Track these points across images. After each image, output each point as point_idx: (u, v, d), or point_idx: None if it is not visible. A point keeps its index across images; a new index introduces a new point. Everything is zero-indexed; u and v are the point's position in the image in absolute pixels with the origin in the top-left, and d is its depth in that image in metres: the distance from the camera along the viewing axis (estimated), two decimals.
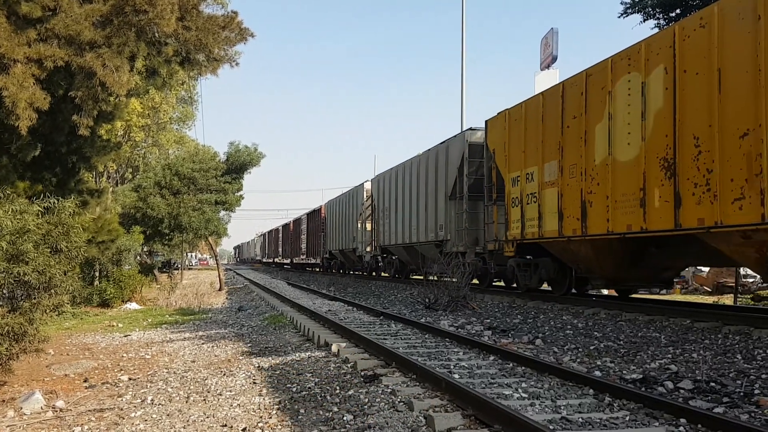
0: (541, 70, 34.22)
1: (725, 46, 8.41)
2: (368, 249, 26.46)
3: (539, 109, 12.68)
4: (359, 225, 27.52)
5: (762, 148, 7.74)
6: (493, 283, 16.88)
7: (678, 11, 19.26)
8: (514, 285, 15.53)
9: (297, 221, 46.98)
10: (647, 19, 20.22)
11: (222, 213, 34.75)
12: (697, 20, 8.90)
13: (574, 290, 13.18)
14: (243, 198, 35.11)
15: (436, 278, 14.08)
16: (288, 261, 51.58)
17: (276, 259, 59.62)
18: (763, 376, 6.18)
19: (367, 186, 26.89)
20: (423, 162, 19.64)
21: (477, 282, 16.69)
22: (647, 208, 9.61)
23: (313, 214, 39.95)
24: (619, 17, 21.09)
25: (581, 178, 11.28)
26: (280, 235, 56.32)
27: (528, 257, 13.87)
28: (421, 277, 17.48)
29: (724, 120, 8.36)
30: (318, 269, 40.83)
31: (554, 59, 33.29)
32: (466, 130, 17.11)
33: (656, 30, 19.73)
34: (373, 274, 27.87)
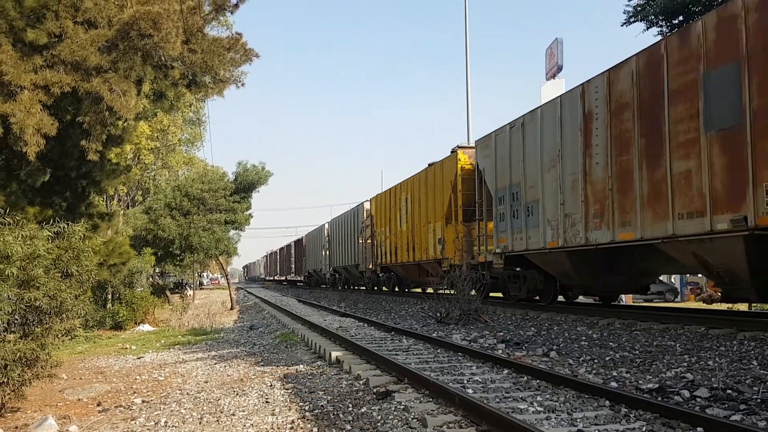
0: (547, 80, 34.28)
1: (414, 191, 21.55)
2: (328, 269, 38.27)
3: (386, 199, 25.22)
4: (323, 253, 39.32)
5: (429, 232, 19.70)
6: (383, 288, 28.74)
7: (681, 18, 19.25)
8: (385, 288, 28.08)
9: (288, 246, 59.78)
10: (650, 27, 20.20)
11: (232, 232, 34.91)
12: (419, 176, 21.24)
13: (396, 288, 26.26)
14: (252, 217, 35.28)
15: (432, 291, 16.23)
16: (283, 278, 64.73)
17: (275, 277, 72.64)
18: None
19: (327, 227, 38.85)
20: (348, 217, 32.87)
21: (375, 288, 29.59)
22: (409, 252, 22.02)
23: (298, 242, 52.50)
24: (622, 26, 21.10)
25: (395, 236, 23.84)
26: (278, 257, 70.77)
27: (388, 273, 26.63)
28: (364, 288, 32.43)
29: (420, 217, 20.85)
30: (301, 284, 52.79)
31: (559, 69, 33.33)
32: (364, 201, 29.70)
33: (659, 37, 19.72)
34: (330, 286, 39.27)
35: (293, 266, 54.93)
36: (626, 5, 20.49)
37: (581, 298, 15.98)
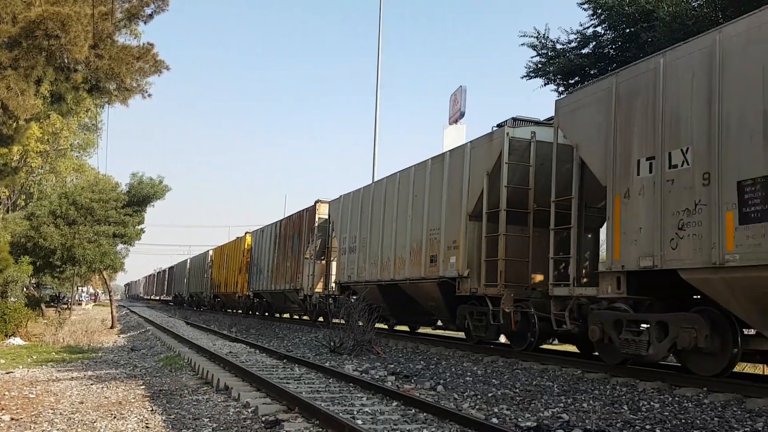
0: (450, 124, 35.38)
1: (231, 251, 36.32)
2: (187, 293, 50.66)
3: (220, 251, 39.65)
4: (185, 280, 52.16)
5: (234, 275, 34.83)
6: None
7: (577, 78, 20.56)
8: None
9: (164, 271, 73.58)
10: (548, 84, 21.41)
11: (120, 246, 33.39)
12: (233, 242, 36.68)
13: (223, 308, 39.41)
14: (144, 232, 33.94)
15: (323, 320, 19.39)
16: (158, 297, 76.64)
17: (153, 297, 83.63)
18: (647, 426, 6.57)
19: (189, 261, 51.71)
20: (201, 257, 46.15)
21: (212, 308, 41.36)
22: (227, 286, 36.33)
23: (172, 268, 65.42)
24: (521, 78, 22.25)
25: (221, 275, 37.86)
26: (155, 279, 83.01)
27: (219, 298, 39.04)
28: (205, 307, 44.44)
29: (231, 266, 35.84)
30: (171, 303, 63.07)
31: (462, 115, 34.49)
32: (209, 249, 43.17)
33: (556, 94, 21.00)
34: (187, 306, 51.26)
35: (166, 288, 69.02)
36: (528, 60, 21.68)
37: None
